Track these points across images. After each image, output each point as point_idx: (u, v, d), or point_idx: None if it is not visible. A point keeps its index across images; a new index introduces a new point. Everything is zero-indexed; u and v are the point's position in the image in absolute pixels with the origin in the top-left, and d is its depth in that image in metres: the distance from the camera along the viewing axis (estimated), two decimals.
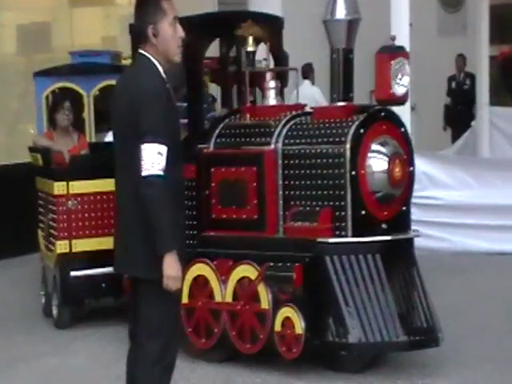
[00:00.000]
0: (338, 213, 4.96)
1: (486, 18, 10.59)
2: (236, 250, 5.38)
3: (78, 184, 6.62)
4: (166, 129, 3.72)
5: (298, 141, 5.22)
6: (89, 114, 8.21)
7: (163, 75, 3.81)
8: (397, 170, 4.99)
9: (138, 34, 3.92)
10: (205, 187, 5.53)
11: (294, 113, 5.51)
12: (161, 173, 3.60)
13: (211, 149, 5.58)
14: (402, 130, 5.19)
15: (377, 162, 4.97)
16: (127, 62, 8.28)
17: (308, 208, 5.12)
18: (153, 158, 3.61)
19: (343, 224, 4.94)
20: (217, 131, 5.62)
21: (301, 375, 5.34)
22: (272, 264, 5.10)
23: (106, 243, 6.17)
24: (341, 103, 5.21)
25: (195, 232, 5.58)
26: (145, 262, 3.72)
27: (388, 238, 5.02)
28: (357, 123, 4.98)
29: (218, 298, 5.40)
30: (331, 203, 5.00)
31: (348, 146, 4.91)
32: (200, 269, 5.49)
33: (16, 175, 9.34)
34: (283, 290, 5.07)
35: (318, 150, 5.08)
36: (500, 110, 12.14)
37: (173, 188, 3.74)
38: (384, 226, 5.03)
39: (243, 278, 5.30)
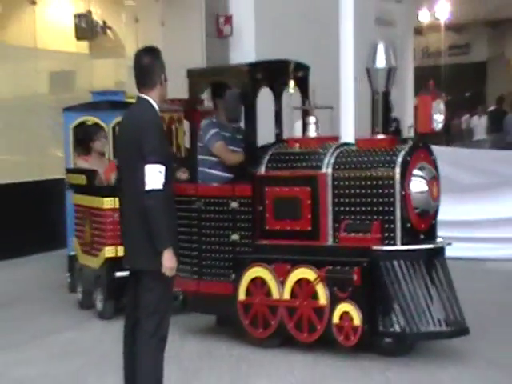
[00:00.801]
0: (387, 225, 4.82)
1: (411, 76, 10.90)
2: (293, 255, 5.12)
3: None
4: (163, 152, 3.85)
5: (347, 166, 5.04)
6: (109, 143, 7.85)
7: (159, 113, 4.00)
8: (434, 190, 4.93)
9: (144, 82, 3.95)
10: (259, 203, 5.27)
11: (337, 143, 5.37)
12: (160, 187, 3.76)
13: (263, 172, 5.33)
14: (433, 157, 5.11)
15: (419, 183, 4.86)
16: (132, 100, 8.08)
17: (358, 221, 4.94)
18: (154, 176, 3.75)
19: (392, 234, 4.81)
20: (267, 157, 5.36)
21: (273, 349, 5.24)
22: (331, 267, 4.90)
23: None
24: (381, 135, 5.09)
25: (250, 241, 5.30)
26: (147, 257, 3.84)
27: (431, 246, 4.92)
28: (403, 152, 4.85)
29: (275, 296, 5.14)
30: (380, 217, 4.84)
31: (398, 170, 4.79)
32: (257, 271, 5.23)
33: (45, 189, 9.09)
34: (342, 289, 4.87)
35: (368, 174, 4.91)
36: None
37: (168, 199, 3.87)
38: (422, 236, 4.94)
39: (301, 279, 5.04)
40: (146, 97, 3.96)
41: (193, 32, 11.39)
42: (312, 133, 5.47)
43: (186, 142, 8.69)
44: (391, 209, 4.83)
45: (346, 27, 8.85)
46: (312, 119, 5.47)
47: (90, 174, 6.68)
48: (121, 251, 6.19)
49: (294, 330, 5.07)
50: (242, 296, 5.28)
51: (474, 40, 21.84)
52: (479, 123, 16.10)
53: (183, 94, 8.04)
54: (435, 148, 11.47)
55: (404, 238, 4.81)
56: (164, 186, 3.77)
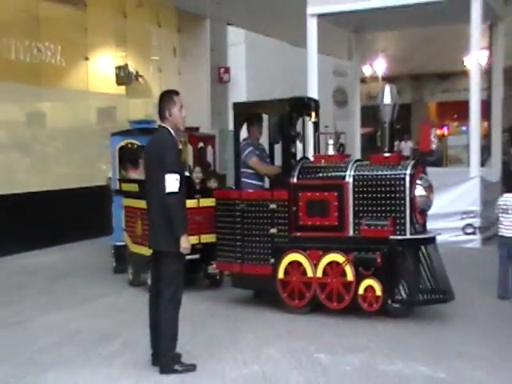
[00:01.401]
0: (398, 221, 4.45)
1: (358, 112, 10.69)
2: (323, 244, 4.69)
3: None
4: (178, 166, 3.76)
5: (365, 177, 4.64)
6: None
7: (175, 137, 3.86)
8: (431, 194, 4.60)
9: (159, 115, 3.83)
10: (294, 205, 4.82)
11: (353, 159, 5.01)
12: (176, 190, 3.66)
13: (295, 180, 4.86)
14: (426, 170, 4.76)
15: (421, 190, 4.52)
16: None
17: (375, 218, 4.54)
18: (172, 182, 3.66)
19: (403, 227, 4.45)
20: (297, 170, 4.89)
21: (259, 310, 5.06)
22: (357, 252, 4.51)
23: (192, 240, 5.31)
24: (388, 154, 4.71)
25: (286, 233, 4.84)
26: (168, 241, 3.73)
27: (431, 235, 4.58)
28: (410, 166, 4.51)
29: (309, 275, 4.70)
30: (393, 215, 4.47)
31: (407, 179, 4.45)
32: (294, 256, 4.78)
33: (93, 192, 8.57)
34: (366, 268, 4.50)
35: (383, 182, 4.53)
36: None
37: (181, 198, 3.76)
38: (421, 228, 4.61)
39: (332, 261, 4.63)
40: (165, 125, 3.84)
41: (201, 79, 11.11)
42: (330, 152, 5.05)
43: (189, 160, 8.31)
44: (402, 208, 4.47)
45: (312, 77, 8.64)
46: (331, 141, 5.08)
47: (142, 183, 6.09)
48: None
49: (326, 301, 4.67)
50: (281, 275, 4.83)
51: (402, 88, 22.26)
52: (405, 146, 16.21)
53: (192, 123, 7.78)
54: None
55: (411, 230, 4.46)
56: (179, 189, 3.68)
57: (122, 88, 10.48)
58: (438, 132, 17.03)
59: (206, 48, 11.07)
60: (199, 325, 4.81)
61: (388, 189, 4.54)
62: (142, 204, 5.94)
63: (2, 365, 4.03)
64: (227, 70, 11.18)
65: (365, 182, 4.66)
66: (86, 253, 8.28)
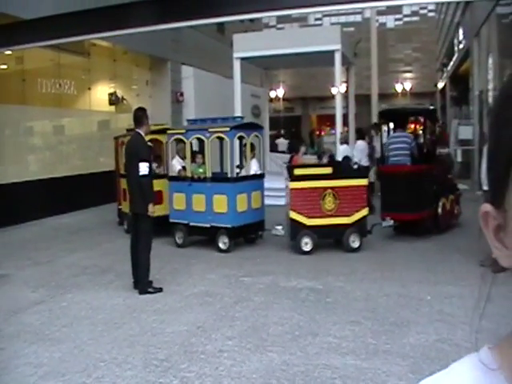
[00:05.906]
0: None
1: (267, 120, 10.57)
2: (445, 191, 5.46)
3: None
4: (148, 157, 3.79)
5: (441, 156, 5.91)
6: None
7: (145, 138, 3.84)
8: None
9: (136, 123, 3.74)
10: (430, 172, 5.30)
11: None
12: (147, 173, 3.69)
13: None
14: None
15: None
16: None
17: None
18: (144, 167, 3.67)
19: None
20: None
21: (213, 250, 4.94)
22: (458, 191, 5.75)
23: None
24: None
25: (438, 188, 5.30)
26: (140, 206, 3.74)
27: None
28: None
29: (447, 208, 5.55)
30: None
31: (453, 154, 5.85)
32: (443, 200, 5.44)
33: (97, 176, 8.34)
34: (457, 201, 5.75)
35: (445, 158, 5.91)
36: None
37: (150, 179, 3.78)
38: None
39: (451, 199, 5.62)
40: (139, 131, 3.77)
41: (165, 100, 10.25)
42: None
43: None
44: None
45: (237, 98, 8.69)
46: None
47: (339, 164, 5.23)
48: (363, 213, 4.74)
49: (443, 220, 5.47)
50: (440, 211, 5.40)
51: (296, 105, 21.48)
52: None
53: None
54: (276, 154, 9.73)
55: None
56: (148, 172, 3.66)
57: (113, 107, 9.42)
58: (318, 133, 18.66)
59: (167, 80, 10.32)
60: (165, 261, 4.62)
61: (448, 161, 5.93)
62: (333, 183, 4.70)
63: (40, 288, 4.01)
64: (182, 94, 10.43)
65: (441, 159, 5.83)
66: (94, 215, 7.79)
